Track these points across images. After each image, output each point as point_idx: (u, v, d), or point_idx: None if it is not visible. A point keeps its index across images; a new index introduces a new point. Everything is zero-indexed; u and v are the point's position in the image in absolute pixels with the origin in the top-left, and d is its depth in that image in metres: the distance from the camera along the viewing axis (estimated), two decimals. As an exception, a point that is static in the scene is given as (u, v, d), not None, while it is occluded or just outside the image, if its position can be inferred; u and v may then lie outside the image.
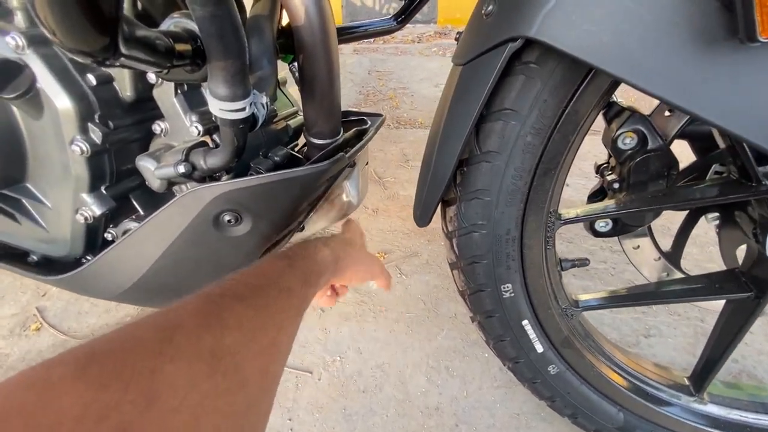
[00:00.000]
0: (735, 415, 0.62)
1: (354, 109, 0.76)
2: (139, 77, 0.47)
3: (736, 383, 0.72)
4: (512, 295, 0.57)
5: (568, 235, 1.28)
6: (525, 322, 0.59)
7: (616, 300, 0.64)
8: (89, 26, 0.29)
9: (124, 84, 0.47)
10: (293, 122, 0.73)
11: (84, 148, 0.45)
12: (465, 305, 0.66)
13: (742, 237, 0.56)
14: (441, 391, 0.86)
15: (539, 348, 0.61)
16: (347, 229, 0.56)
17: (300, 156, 0.66)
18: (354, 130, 0.67)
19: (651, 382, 0.65)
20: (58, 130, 0.44)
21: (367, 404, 0.83)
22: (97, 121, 0.45)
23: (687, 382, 0.66)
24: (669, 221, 0.78)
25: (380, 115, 0.73)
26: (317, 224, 0.76)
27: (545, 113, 0.43)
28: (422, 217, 0.54)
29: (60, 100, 0.43)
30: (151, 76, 0.46)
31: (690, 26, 0.31)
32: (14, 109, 0.45)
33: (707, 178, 0.60)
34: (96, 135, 0.45)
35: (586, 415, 0.65)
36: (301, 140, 0.72)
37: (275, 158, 0.60)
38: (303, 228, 0.72)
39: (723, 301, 0.60)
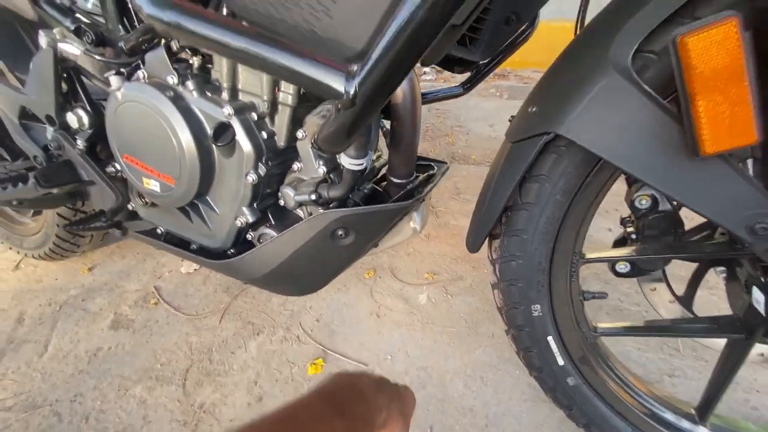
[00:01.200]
0: (733, 443, 0.72)
1: (425, 156, 0.97)
2: (292, 134, 0.70)
3: (741, 420, 0.80)
4: (540, 314, 0.73)
5: (607, 278, 1.38)
6: (549, 338, 0.74)
7: (630, 330, 0.77)
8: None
9: (281, 138, 0.71)
10: (377, 163, 0.95)
11: (254, 178, 0.68)
12: (502, 321, 0.81)
13: (742, 288, 0.68)
14: (476, 397, 1.00)
15: (560, 361, 0.75)
16: (409, 398, 0.48)
17: (380, 189, 0.87)
18: (425, 174, 0.87)
19: (659, 406, 0.76)
20: (241, 166, 0.69)
21: (412, 397, 1.00)
22: (264, 161, 0.69)
23: (693, 412, 0.76)
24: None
25: (445, 163, 0.93)
26: (387, 243, 0.96)
27: (570, 180, 0.60)
28: (473, 245, 0.72)
29: (247, 147, 0.67)
30: (300, 134, 0.70)
31: (663, 139, 0.48)
32: (216, 151, 0.70)
33: (715, 236, 0.73)
34: (261, 170, 0.69)
35: (599, 427, 0.78)
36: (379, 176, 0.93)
37: (364, 190, 0.82)
38: (377, 245, 0.92)
39: (725, 341, 0.71)
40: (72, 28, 0.76)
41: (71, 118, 0.77)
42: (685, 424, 0.74)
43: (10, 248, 1.52)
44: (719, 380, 0.71)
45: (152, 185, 0.75)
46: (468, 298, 1.29)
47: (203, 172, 0.70)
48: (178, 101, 0.67)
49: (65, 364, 1.16)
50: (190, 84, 0.68)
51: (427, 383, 1.03)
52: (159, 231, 0.86)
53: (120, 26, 0.75)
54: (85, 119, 0.77)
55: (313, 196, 0.68)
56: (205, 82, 0.69)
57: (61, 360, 1.17)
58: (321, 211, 0.68)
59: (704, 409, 0.74)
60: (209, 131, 0.66)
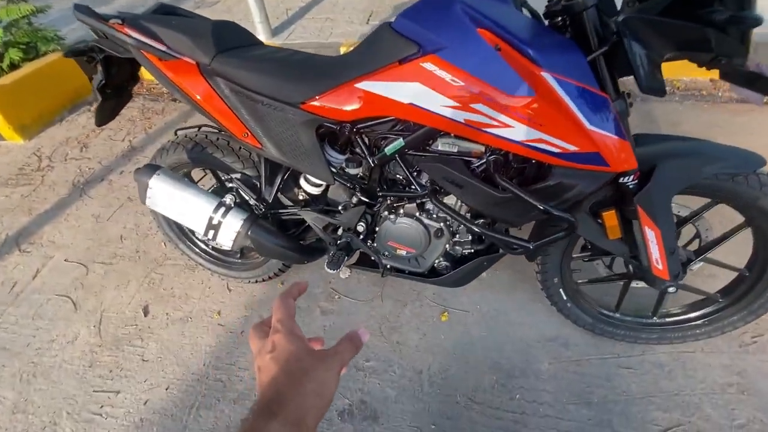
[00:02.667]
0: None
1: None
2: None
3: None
4: (557, 280, 1.87)
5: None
6: (560, 290, 1.89)
7: (588, 281, 1.95)
8: None
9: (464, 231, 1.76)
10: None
11: (449, 246, 1.74)
12: (537, 279, 1.95)
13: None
14: (518, 313, 2.17)
15: (564, 297, 1.91)
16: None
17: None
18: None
19: (598, 306, 1.96)
20: (443, 242, 1.73)
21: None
22: (452, 241, 1.74)
23: (611, 305, 1.97)
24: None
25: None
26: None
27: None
28: (532, 257, 1.83)
29: (446, 236, 1.72)
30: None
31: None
32: (434, 237, 1.74)
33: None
34: (451, 243, 1.74)
35: (573, 315, 1.97)
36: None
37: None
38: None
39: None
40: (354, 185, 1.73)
41: (359, 227, 1.76)
42: (604, 311, 1.95)
43: (219, 276, 2.46)
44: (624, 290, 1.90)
45: (401, 252, 1.78)
46: (508, 270, 2.43)
47: (429, 246, 1.74)
48: (422, 221, 1.70)
49: (310, 334, 2.20)
50: (425, 214, 1.69)
51: (499, 314, 2.19)
52: (389, 266, 1.90)
53: (377, 186, 1.72)
54: (363, 228, 1.77)
55: (466, 252, 1.76)
56: (430, 215, 1.70)
57: (307, 333, 2.20)
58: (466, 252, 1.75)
59: (617, 305, 1.94)
60: (433, 233, 1.69)
